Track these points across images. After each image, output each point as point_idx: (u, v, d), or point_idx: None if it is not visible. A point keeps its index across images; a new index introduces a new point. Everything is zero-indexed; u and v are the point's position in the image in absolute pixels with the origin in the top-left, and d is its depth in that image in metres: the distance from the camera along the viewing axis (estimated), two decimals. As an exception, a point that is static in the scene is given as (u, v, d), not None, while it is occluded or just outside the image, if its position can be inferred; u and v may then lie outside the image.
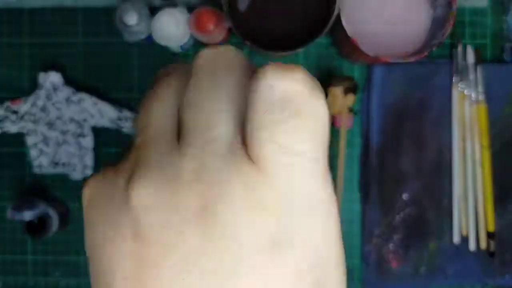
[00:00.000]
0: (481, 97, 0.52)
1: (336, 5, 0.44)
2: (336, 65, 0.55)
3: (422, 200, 0.53)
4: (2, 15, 0.55)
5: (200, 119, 0.15)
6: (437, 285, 0.54)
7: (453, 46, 0.54)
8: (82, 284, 0.55)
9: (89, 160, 0.53)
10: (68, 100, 0.52)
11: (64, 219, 0.53)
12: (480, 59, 0.53)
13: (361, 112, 0.54)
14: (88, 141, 0.53)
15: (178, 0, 0.54)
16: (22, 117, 0.53)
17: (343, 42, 0.48)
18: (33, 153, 0.53)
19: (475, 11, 0.54)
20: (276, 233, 0.13)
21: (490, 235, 0.52)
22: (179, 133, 0.15)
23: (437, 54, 0.54)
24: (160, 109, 0.16)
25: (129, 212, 0.14)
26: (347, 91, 0.49)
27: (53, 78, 0.52)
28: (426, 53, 0.45)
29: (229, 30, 0.48)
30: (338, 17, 0.45)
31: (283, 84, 0.14)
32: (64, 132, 0.53)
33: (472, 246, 0.53)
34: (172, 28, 0.47)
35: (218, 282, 0.13)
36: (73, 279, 0.55)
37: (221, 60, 0.16)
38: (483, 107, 0.52)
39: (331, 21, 0.44)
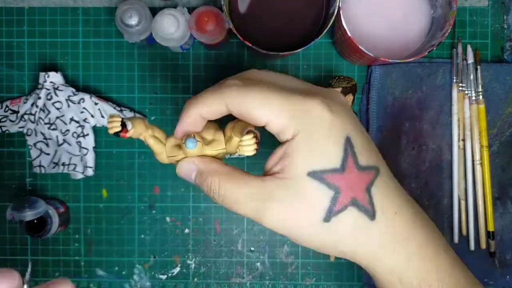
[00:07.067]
0: (481, 97, 0.52)
1: (336, 5, 0.44)
2: (336, 65, 0.55)
3: (422, 200, 0.53)
4: (2, 14, 0.55)
5: None
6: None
7: (453, 46, 0.54)
8: (82, 284, 0.55)
9: (89, 160, 0.53)
10: (68, 100, 0.52)
11: (64, 219, 0.53)
12: (480, 59, 0.53)
13: (360, 112, 0.54)
14: (89, 141, 0.53)
15: (178, 0, 0.54)
16: (22, 117, 0.53)
17: (343, 42, 0.48)
18: (33, 153, 0.53)
19: (475, 11, 0.54)
20: None
21: (490, 235, 0.52)
22: None
23: (437, 54, 0.54)
24: None
25: None
26: (346, 91, 0.49)
27: (53, 78, 0.52)
28: (426, 53, 0.45)
29: (229, 30, 0.48)
30: (338, 17, 0.45)
31: None
32: (64, 132, 0.52)
33: (472, 246, 0.53)
34: (172, 28, 0.47)
35: None
36: (73, 279, 0.55)
37: None
38: (482, 107, 0.52)
39: (331, 21, 0.44)
